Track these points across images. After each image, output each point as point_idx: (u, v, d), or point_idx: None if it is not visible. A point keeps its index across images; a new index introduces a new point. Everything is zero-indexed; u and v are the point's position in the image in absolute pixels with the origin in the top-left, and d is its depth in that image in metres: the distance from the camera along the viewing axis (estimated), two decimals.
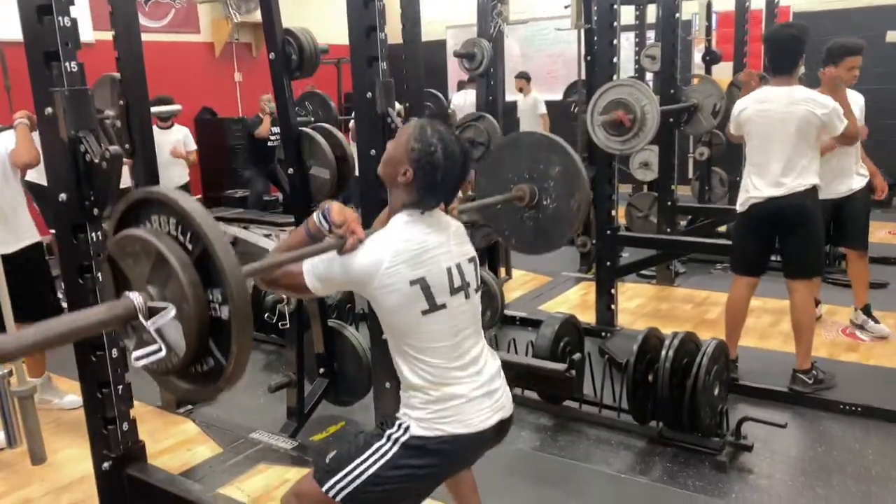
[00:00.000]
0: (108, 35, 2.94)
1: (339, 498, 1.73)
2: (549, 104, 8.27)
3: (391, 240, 1.69)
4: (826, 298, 4.54)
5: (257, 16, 7.88)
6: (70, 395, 3.63)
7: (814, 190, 3.30)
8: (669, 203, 5.32)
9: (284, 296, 3.21)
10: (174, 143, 6.04)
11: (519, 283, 5.60)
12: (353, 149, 3.01)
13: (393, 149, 1.77)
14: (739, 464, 2.98)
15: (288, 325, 3.37)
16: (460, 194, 1.96)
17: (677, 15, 5.03)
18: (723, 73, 6.17)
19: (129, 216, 1.45)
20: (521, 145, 2.79)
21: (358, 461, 1.74)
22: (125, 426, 2.32)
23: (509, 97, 7.01)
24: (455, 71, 9.19)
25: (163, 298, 1.35)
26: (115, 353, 2.28)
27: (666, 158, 5.29)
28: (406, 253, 1.67)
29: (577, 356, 3.23)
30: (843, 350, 4.01)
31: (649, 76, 6.65)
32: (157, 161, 3.27)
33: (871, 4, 7.90)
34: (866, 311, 4.14)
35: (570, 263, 5.74)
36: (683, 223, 5.90)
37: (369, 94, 2.62)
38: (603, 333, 4.30)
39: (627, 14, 5.78)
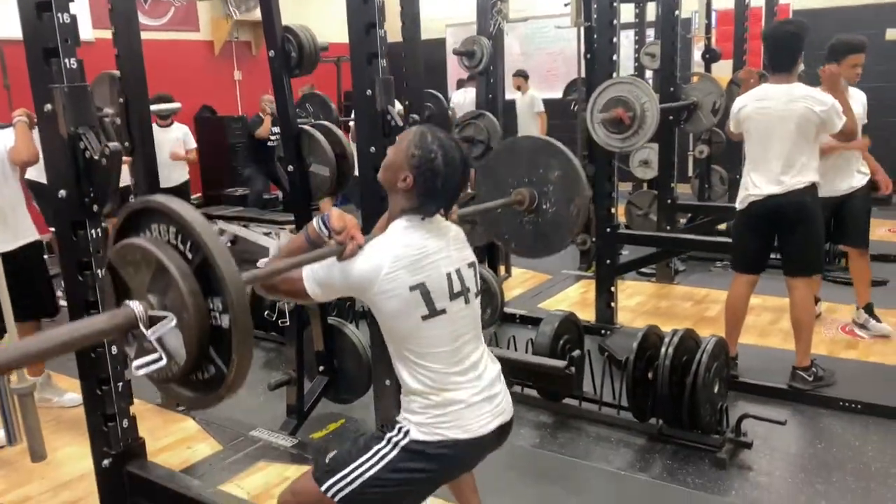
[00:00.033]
0: (108, 33, 2.94)
1: (337, 498, 1.74)
2: (548, 102, 8.27)
3: (391, 245, 1.70)
4: (826, 296, 4.54)
5: (257, 14, 7.88)
6: (70, 392, 3.63)
7: (813, 187, 3.29)
8: (669, 201, 5.32)
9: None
10: (174, 141, 6.05)
11: (519, 281, 5.60)
12: (353, 148, 3.01)
13: (393, 155, 1.77)
14: (739, 461, 2.98)
15: (288, 323, 3.37)
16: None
17: (677, 13, 5.03)
18: (722, 71, 6.17)
19: (130, 225, 1.46)
20: (521, 150, 2.81)
21: (358, 462, 1.75)
22: (125, 423, 2.32)
23: (508, 95, 7.00)
24: (455, 69, 9.19)
25: (163, 307, 1.36)
26: (114, 350, 2.28)
27: (666, 156, 5.29)
28: (406, 258, 1.67)
29: (576, 353, 3.23)
30: (843, 347, 4.01)
31: (649, 74, 6.66)
32: (157, 159, 3.27)
33: (871, 2, 7.90)
34: (868, 309, 4.14)
35: (570, 261, 5.74)
36: (683, 221, 5.90)
37: (369, 92, 2.61)
38: (603, 331, 4.30)
39: (627, 12, 5.79)
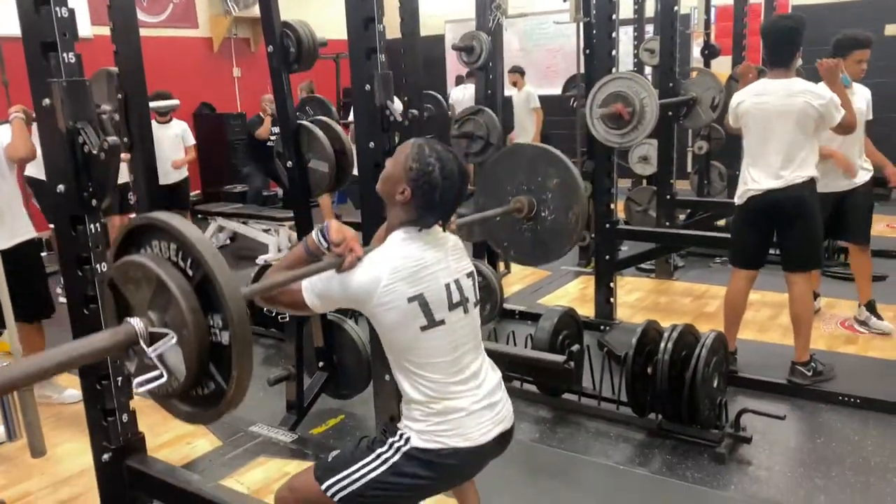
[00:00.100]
0: (107, 30, 2.93)
1: (336, 498, 1.75)
2: (548, 98, 8.26)
3: (389, 257, 1.70)
4: (825, 291, 4.54)
5: (255, 11, 7.88)
6: (70, 389, 3.63)
7: (812, 182, 3.29)
8: (668, 197, 5.31)
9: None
10: (173, 137, 6.06)
11: (518, 277, 5.60)
12: (352, 146, 3.00)
13: (391, 167, 1.77)
14: (738, 455, 2.98)
15: (287, 319, 3.37)
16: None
17: (676, 8, 5.02)
18: (722, 66, 6.16)
19: (131, 241, 1.47)
20: (520, 157, 2.82)
21: (360, 464, 1.76)
22: (125, 418, 2.32)
23: (507, 92, 6.99)
24: (453, 65, 9.19)
25: (164, 324, 1.37)
26: None
27: (665, 152, 5.28)
28: (404, 270, 1.68)
29: (575, 348, 3.23)
30: (842, 342, 4.02)
31: (648, 70, 6.65)
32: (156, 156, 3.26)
33: None
34: (870, 307, 4.13)
35: (569, 257, 5.72)
36: (682, 217, 5.90)
37: (368, 87, 2.61)
38: (602, 327, 4.30)
39: (626, 7, 5.78)
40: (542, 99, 8.13)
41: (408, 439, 1.75)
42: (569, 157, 2.80)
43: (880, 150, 4.18)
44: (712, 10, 7.01)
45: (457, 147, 4.67)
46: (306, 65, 3.11)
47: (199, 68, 8.91)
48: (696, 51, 7.14)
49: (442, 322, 1.72)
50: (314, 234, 1.74)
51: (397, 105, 2.88)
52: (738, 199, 3.47)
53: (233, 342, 1.32)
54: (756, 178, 3.33)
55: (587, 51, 5.05)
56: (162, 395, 1.46)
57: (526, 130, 7.93)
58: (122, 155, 2.38)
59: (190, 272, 1.36)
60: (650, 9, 6.71)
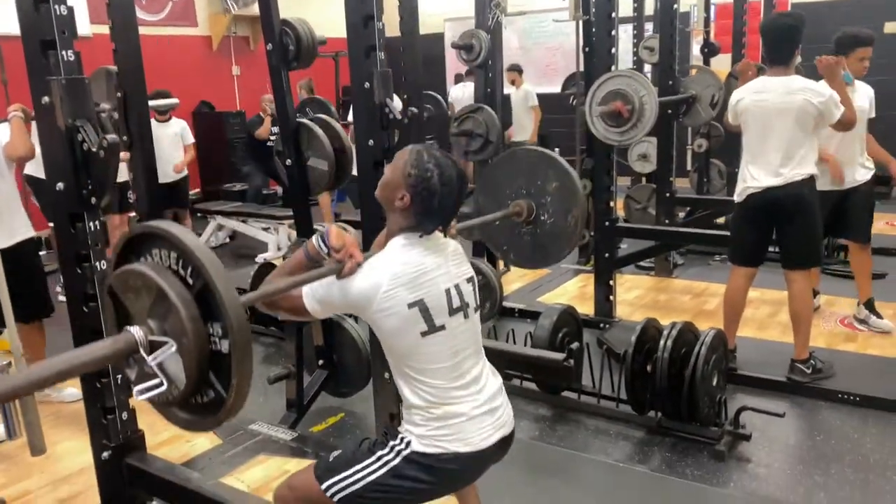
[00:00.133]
0: (106, 28, 2.93)
1: (336, 498, 1.75)
2: (547, 96, 8.25)
3: (389, 263, 1.70)
4: (824, 289, 4.55)
5: (255, 9, 7.86)
6: (69, 388, 3.63)
7: (811, 180, 3.29)
8: (668, 194, 5.31)
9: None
10: (172, 136, 6.06)
11: (517, 275, 5.59)
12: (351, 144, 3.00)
13: (390, 173, 1.77)
14: (738, 453, 2.99)
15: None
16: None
17: (675, 6, 5.01)
18: (721, 64, 6.16)
19: (131, 249, 1.48)
20: (519, 161, 2.82)
21: (361, 465, 1.76)
22: (124, 415, 2.32)
23: (505, 90, 6.99)
24: (453, 63, 9.20)
25: (163, 332, 1.38)
26: None
27: (664, 150, 5.29)
28: (404, 276, 1.68)
29: (575, 346, 3.23)
30: (842, 340, 4.02)
31: (648, 68, 6.65)
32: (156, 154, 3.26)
33: None
34: (869, 305, 4.14)
35: (569, 255, 5.73)
36: (682, 215, 5.90)
37: (367, 85, 2.60)
38: (601, 324, 4.30)
39: (626, 5, 5.77)
40: (542, 97, 8.12)
41: (409, 443, 1.75)
42: (568, 155, 2.80)
43: (883, 147, 4.17)
44: (712, 8, 7.03)
45: (456, 145, 4.68)
46: (305, 63, 3.11)
47: (199, 66, 8.91)
48: (695, 48, 7.15)
49: (442, 327, 1.72)
50: (314, 239, 1.75)
51: (397, 103, 2.87)
52: (737, 197, 3.47)
53: (232, 351, 1.33)
54: (755, 176, 3.33)
55: (586, 49, 5.04)
56: (162, 404, 1.47)
57: (524, 128, 7.92)
58: (122, 153, 2.38)
59: (190, 281, 1.37)
60: (650, 6, 6.70)
